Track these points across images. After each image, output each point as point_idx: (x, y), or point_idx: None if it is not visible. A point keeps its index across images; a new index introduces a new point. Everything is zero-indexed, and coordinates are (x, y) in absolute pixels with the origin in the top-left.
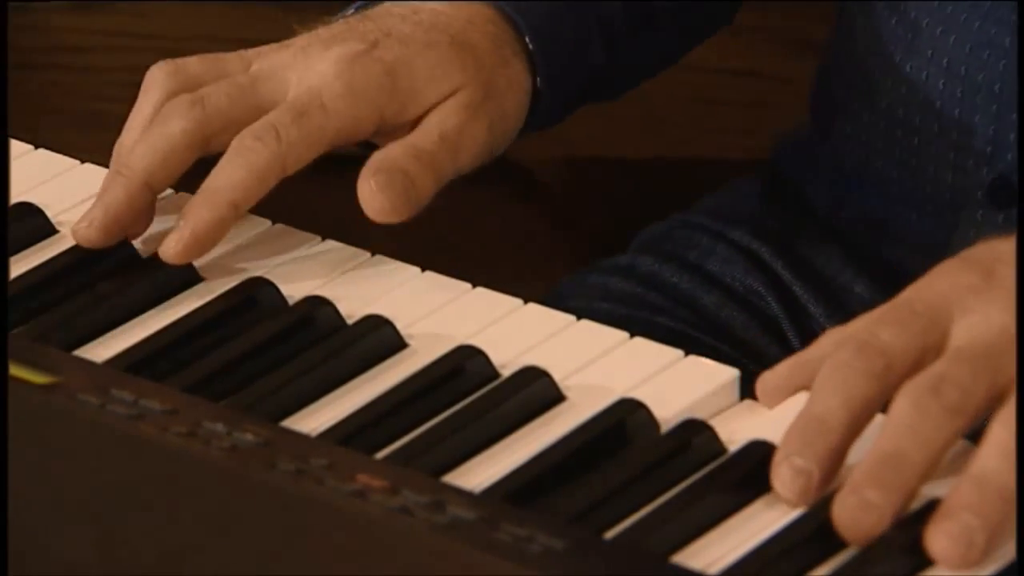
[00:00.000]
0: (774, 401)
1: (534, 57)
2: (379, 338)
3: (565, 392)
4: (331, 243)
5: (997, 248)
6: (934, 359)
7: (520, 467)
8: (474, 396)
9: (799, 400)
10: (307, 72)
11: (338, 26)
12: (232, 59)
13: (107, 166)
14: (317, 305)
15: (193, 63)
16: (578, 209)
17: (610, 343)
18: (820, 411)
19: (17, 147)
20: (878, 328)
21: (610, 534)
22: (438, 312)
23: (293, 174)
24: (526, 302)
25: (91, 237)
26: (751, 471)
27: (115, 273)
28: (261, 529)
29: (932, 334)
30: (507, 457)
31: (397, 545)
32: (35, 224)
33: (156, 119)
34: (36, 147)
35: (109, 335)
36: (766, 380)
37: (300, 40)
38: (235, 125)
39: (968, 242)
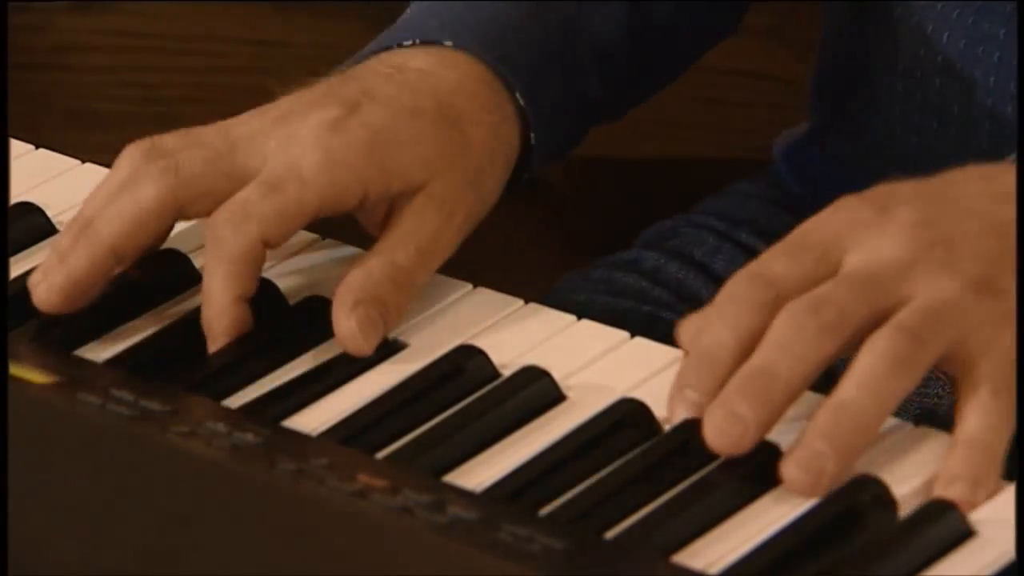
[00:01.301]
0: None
1: (526, 115)
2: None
3: (566, 392)
4: (330, 243)
5: (894, 188)
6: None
7: (521, 467)
8: (475, 396)
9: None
10: (286, 141)
11: (319, 88)
12: (208, 130)
13: (108, 166)
14: (317, 305)
15: (169, 138)
16: (580, 209)
17: (611, 342)
18: (711, 344)
19: (17, 147)
20: (770, 260)
21: (611, 534)
22: (439, 312)
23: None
24: (527, 302)
25: (51, 301)
26: (752, 470)
27: (115, 273)
28: (262, 529)
29: (823, 266)
30: (508, 457)
31: (398, 545)
32: (35, 224)
33: (127, 182)
34: (36, 147)
35: (109, 335)
36: (686, 325)
37: (280, 105)
38: (211, 193)
39: None
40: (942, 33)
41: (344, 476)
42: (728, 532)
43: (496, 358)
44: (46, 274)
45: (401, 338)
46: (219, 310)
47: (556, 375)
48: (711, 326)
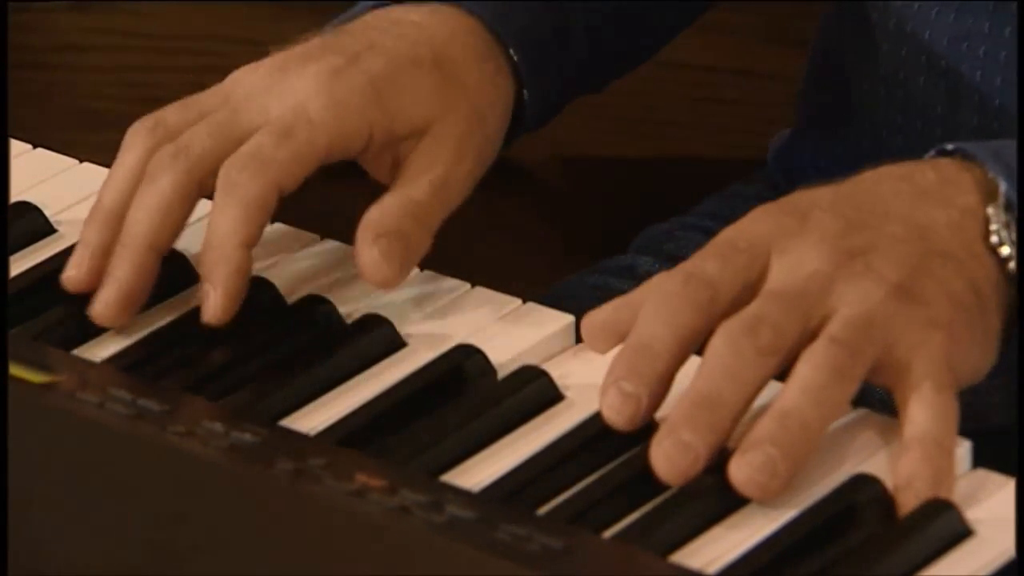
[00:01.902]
0: (598, 343)
1: (519, 68)
2: (378, 337)
3: (564, 391)
4: (330, 243)
5: (814, 194)
6: (752, 296)
7: (519, 466)
8: (472, 395)
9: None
10: (286, 92)
11: (314, 43)
12: (207, 97)
13: (107, 165)
14: (316, 304)
15: (171, 112)
16: (577, 209)
17: None
18: (647, 337)
19: (16, 146)
20: (703, 261)
21: (609, 533)
22: (437, 311)
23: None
24: (525, 301)
25: (110, 316)
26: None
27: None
28: (260, 528)
29: (752, 270)
30: (506, 456)
31: (395, 544)
32: (34, 223)
33: (144, 178)
34: (35, 146)
35: (108, 334)
36: (590, 319)
37: (275, 59)
38: (224, 158)
39: None
40: (923, 32)
41: (342, 476)
42: (726, 532)
43: (494, 357)
44: (81, 269)
45: (399, 337)
46: (225, 254)
47: (554, 374)
48: (646, 321)
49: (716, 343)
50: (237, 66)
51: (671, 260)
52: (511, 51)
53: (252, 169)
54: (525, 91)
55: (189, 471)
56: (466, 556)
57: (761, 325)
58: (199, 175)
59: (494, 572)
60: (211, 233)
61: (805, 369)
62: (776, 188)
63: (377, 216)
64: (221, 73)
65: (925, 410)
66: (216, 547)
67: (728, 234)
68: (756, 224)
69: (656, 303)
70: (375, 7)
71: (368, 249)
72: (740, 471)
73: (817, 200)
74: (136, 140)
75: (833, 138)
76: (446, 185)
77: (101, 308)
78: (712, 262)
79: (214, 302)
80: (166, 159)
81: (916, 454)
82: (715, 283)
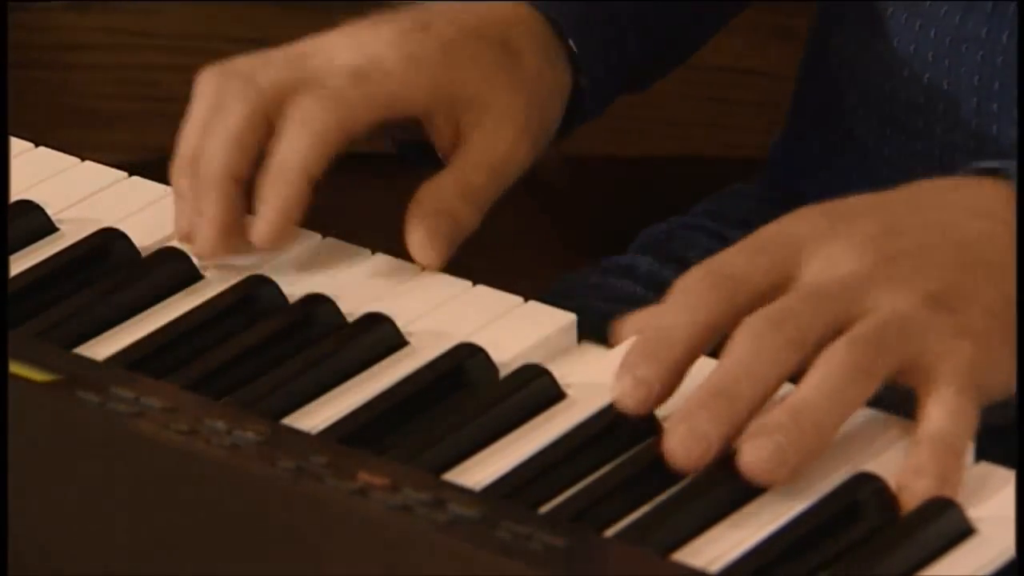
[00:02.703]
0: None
1: (578, 59)
2: (379, 336)
3: (566, 390)
4: (331, 241)
5: (853, 200)
6: (780, 296)
7: (521, 465)
8: (474, 394)
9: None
10: (358, 44)
11: (383, 16)
12: (279, 51)
13: (108, 164)
14: (317, 303)
15: (240, 61)
16: (579, 207)
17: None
18: (665, 326)
19: (17, 145)
20: (728, 257)
21: (611, 532)
22: (438, 310)
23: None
24: (526, 300)
25: (212, 253)
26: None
27: (115, 271)
28: (261, 526)
29: (781, 270)
30: (508, 455)
31: (398, 543)
32: (35, 222)
33: (214, 115)
34: (36, 145)
35: (110, 333)
36: (623, 323)
37: (347, 27)
38: (292, 98)
39: None
40: (929, 30)
41: (344, 474)
42: (728, 530)
43: (495, 356)
44: (192, 231)
45: (401, 336)
46: (287, 178)
47: (556, 373)
48: (666, 310)
49: (740, 333)
50: None
51: (672, 260)
52: (570, 41)
53: (327, 103)
54: (584, 79)
55: (191, 469)
56: (468, 555)
57: (786, 319)
58: (267, 106)
59: (496, 570)
60: (275, 158)
61: (824, 367)
62: (777, 187)
63: (430, 194)
64: None
65: (941, 410)
66: (218, 546)
67: (762, 232)
68: (792, 224)
69: (678, 293)
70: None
71: (414, 230)
72: (747, 454)
73: (856, 205)
74: (208, 85)
75: (837, 137)
76: (504, 169)
77: (200, 247)
78: (739, 257)
79: (265, 221)
80: (234, 89)
81: (925, 451)
82: (739, 277)
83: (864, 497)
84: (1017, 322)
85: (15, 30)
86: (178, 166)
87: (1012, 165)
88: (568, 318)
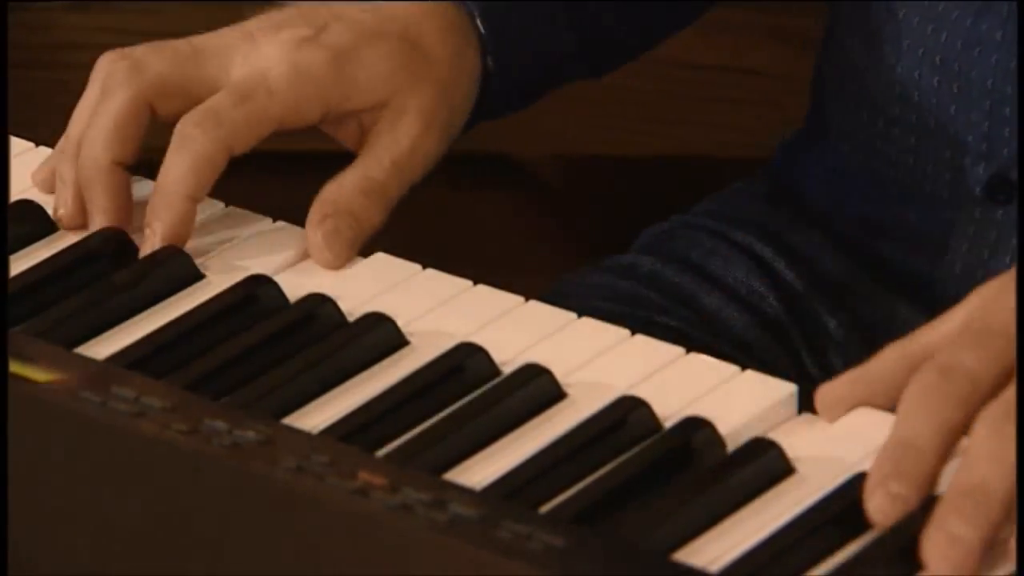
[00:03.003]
0: (834, 414)
1: (484, 40)
2: (380, 335)
3: (566, 389)
4: None
5: None
6: (1009, 377)
7: (521, 465)
8: (475, 393)
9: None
10: (252, 53)
11: (288, 11)
12: (177, 42)
13: None
14: (318, 303)
15: (138, 48)
16: (579, 207)
17: (611, 340)
18: (911, 436)
19: (17, 144)
20: (960, 352)
21: (611, 532)
22: (439, 309)
23: (285, 170)
24: (527, 299)
25: (69, 223)
26: (752, 469)
27: (116, 270)
28: (262, 526)
29: (1009, 354)
30: (508, 455)
31: (398, 542)
32: (35, 221)
33: (102, 96)
34: (36, 145)
35: (110, 332)
36: (826, 392)
37: (248, 24)
38: (180, 91)
39: (968, 240)
40: (941, 33)
41: (344, 474)
42: (729, 530)
43: (496, 356)
44: (70, 212)
45: (401, 335)
46: (170, 202)
47: (557, 373)
48: (908, 417)
49: (980, 429)
50: None
51: (672, 259)
52: (478, 22)
53: (206, 125)
54: (489, 60)
55: (192, 469)
56: (468, 554)
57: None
58: (150, 93)
59: (496, 570)
60: (160, 180)
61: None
62: (779, 187)
63: (330, 193)
64: None
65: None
66: (219, 545)
67: (980, 315)
68: (1003, 300)
69: (918, 398)
70: None
71: (313, 232)
72: (934, 554)
73: None
74: (99, 69)
75: (844, 137)
76: (408, 162)
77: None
78: (970, 353)
79: (151, 244)
80: (120, 74)
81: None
82: (976, 375)
83: (863, 497)
84: (1017, 321)
85: (16, 29)
86: (62, 148)
87: None
88: (568, 317)
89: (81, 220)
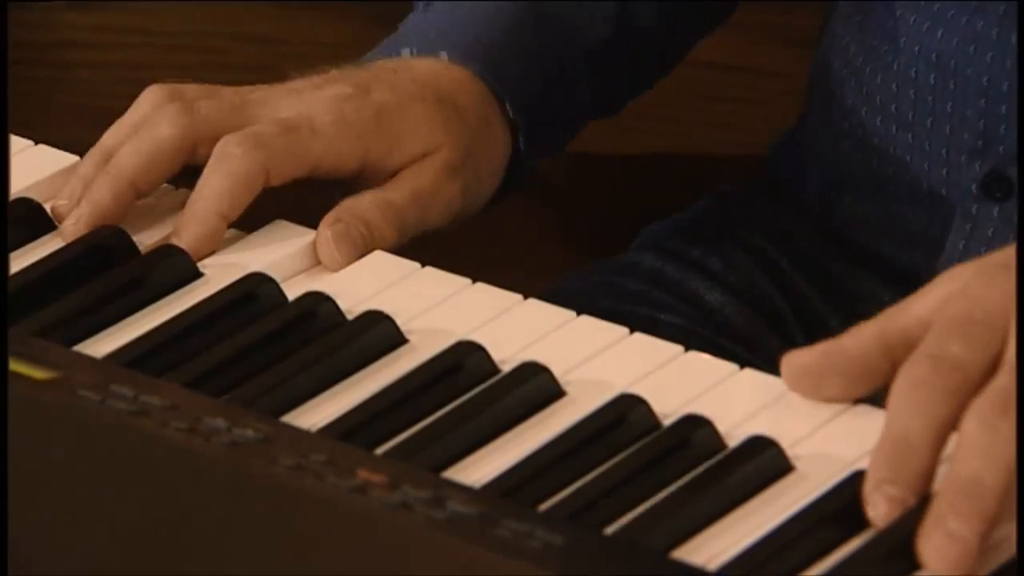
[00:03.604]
0: (798, 383)
1: (516, 125)
2: (379, 333)
3: (565, 387)
4: None
5: None
6: (994, 369)
7: (520, 462)
8: (474, 391)
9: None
10: (297, 103)
11: (332, 73)
12: (226, 89)
13: None
14: (317, 301)
15: (189, 88)
16: (579, 205)
17: (610, 339)
18: (904, 433)
19: (17, 143)
20: (945, 342)
21: (610, 530)
22: (438, 307)
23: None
24: (526, 297)
25: (79, 232)
26: (751, 466)
27: (115, 268)
28: (261, 524)
29: (996, 343)
30: (507, 453)
31: (397, 540)
32: (35, 220)
33: (146, 123)
34: (36, 143)
35: (109, 330)
36: (793, 359)
37: (294, 83)
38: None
39: (964, 237)
40: (937, 31)
41: (343, 472)
42: (728, 528)
43: (495, 354)
44: (72, 207)
45: (400, 333)
46: (201, 217)
47: (556, 371)
48: (899, 413)
49: (969, 423)
50: (237, 63)
51: (674, 257)
52: (508, 107)
53: (247, 146)
54: (521, 141)
55: (191, 467)
56: (467, 552)
57: (1011, 400)
58: (196, 137)
59: (495, 568)
60: (196, 195)
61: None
62: (778, 185)
63: (348, 203)
64: (221, 70)
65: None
66: (218, 543)
67: (964, 306)
68: (988, 292)
69: (907, 393)
70: (383, 57)
71: (324, 229)
72: (930, 549)
73: None
74: (150, 99)
75: (841, 134)
76: (429, 199)
77: (72, 223)
78: (957, 343)
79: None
80: (172, 111)
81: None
82: (964, 365)
83: (862, 495)
84: (1017, 320)
85: (16, 28)
86: (92, 152)
87: None
88: (568, 315)
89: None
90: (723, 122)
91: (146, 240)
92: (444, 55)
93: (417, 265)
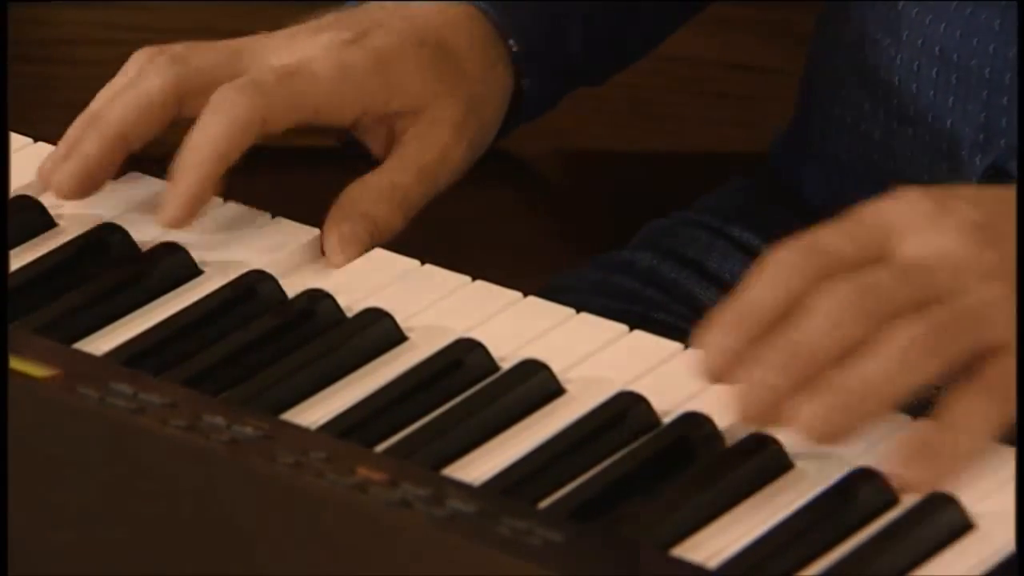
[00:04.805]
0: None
1: (519, 59)
2: (379, 331)
3: (565, 385)
4: None
5: (956, 188)
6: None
7: (520, 460)
8: (474, 389)
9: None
10: (295, 50)
11: (327, 18)
12: (217, 43)
13: None
14: (317, 298)
15: (179, 45)
16: (577, 203)
17: (610, 336)
18: (747, 298)
19: (17, 140)
20: (823, 233)
21: (610, 527)
22: (438, 305)
23: (288, 168)
24: (525, 295)
25: (67, 187)
26: (751, 464)
27: (115, 266)
28: (261, 522)
29: (874, 248)
30: (507, 450)
31: (397, 538)
32: (34, 217)
33: (134, 78)
34: (35, 140)
35: (109, 328)
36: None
37: (288, 29)
38: (215, 88)
39: None
40: (939, 23)
41: (343, 469)
42: (728, 525)
43: (495, 351)
44: (58, 162)
45: (400, 331)
46: (197, 161)
47: (555, 368)
48: (752, 283)
49: (821, 294)
50: None
51: (669, 256)
52: (511, 41)
53: (248, 91)
54: (525, 80)
55: (190, 465)
56: (467, 550)
57: (871, 291)
58: (186, 87)
59: (495, 566)
60: (191, 140)
61: (896, 338)
62: (778, 182)
63: (354, 195)
64: None
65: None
66: (217, 540)
67: (857, 212)
68: (890, 206)
69: (766, 267)
70: None
71: (329, 232)
72: (805, 412)
73: (959, 192)
74: (137, 61)
75: (842, 129)
76: (435, 170)
77: (60, 178)
78: (831, 235)
79: (170, 204)
80: (161, 63)
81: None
82: (829, 252)
83: (863, 493)
84: (1017, 319)
85: (15, 25)
86: (81, 117)
87: None
88: (567, 313)
89: (74, 190)
90: (722, 119)
91: (146, 238)
92: None
93: (416, 263)
